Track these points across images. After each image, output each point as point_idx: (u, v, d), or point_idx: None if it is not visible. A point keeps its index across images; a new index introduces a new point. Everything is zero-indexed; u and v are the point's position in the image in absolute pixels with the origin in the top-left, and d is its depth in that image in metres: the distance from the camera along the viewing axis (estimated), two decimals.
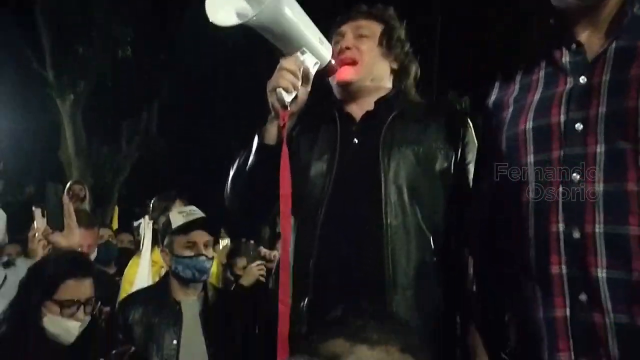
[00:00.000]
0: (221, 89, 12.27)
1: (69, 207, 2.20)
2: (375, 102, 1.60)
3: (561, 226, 1.10)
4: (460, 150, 1.54)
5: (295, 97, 1.45)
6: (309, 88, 1.49)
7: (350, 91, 1.61)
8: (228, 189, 1.66)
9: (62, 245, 2.17)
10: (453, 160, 1.52)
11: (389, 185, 1.47)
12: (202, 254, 2.26)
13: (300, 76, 1.43)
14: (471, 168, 1.53)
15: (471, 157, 1.54)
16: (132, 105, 12.01)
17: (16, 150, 11.51)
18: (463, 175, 1.52)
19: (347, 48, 1.58)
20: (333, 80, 1.63)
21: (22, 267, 2.24)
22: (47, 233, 2.20)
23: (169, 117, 12.28)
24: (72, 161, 10.29)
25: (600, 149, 1.08)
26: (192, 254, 2.26)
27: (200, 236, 2.30)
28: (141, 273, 2.71)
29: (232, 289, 2.95)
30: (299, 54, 1.44)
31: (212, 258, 2.36)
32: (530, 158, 1.17)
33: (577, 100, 1.13)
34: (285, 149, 1.43)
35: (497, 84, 1.36)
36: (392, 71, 1.65)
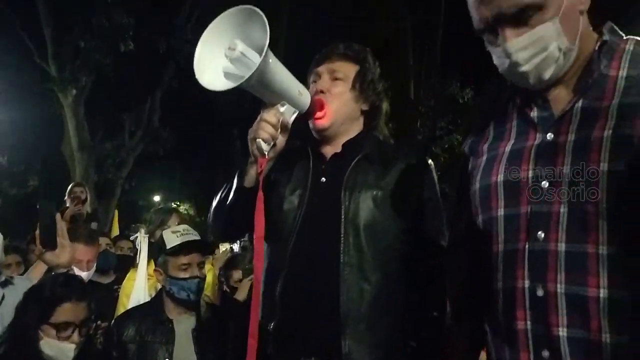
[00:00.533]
0: None
1: (61, 225, 2.21)
2: (343, 144, 1.72)
3: (527, 282, 1.13)
4: (418, 193, 1.67)
5: (274, 145, 1.55)
6: (287, 136, 1.59)
7: (322, 134, 1.72)
8: (210, 219, 1.80)
9: (54, 263, 2.18)
10: (411, 203, 1.65)
11: (348, 226, 1.59)
12: (197, 276, 2.31)
13: (279, 127, 1.53)
14: (430, 210, 1.66)
15: (429, 198, 1.68)
16: (134, 98, 12.06)
17: (19, 144, 11.61)
18: (421, 217, 1.65)
19: (322, 91, 1.69)
20: (310, 122, 1.72)
21: (20, 285, 2.28)
22: (39, 252, 2.23)
23: (171, 108, 12.33)
24: (74, 155, 10.36)
25: (563, 208, 1.09)
26: (187, 275, 2.29)
27: (195, 258, 2.33)
28: (137, 287, 2.76)
29: (227, 303, 3.00)
30: (279, 106, 1.53)
31: (205, 277, 2.40)
32: (501, 211, 1.19)
33: (544, 157, 1.15)
34: (260, 194, 1.51)
35: (472, 130, 1.38)
36: (363, 112, 1.75)
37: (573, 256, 1.08)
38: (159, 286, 2.60)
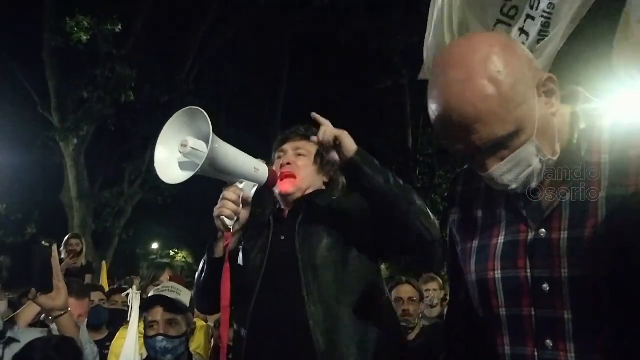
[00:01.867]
0: (223, 131, 12.42)
1: (57, 268, 2.17)
2: (294, 202, 1.86)
3: None
4: (363, 226, 1.75)
5: (238, 219, 1.67)
6: (249, 209, 1.72)
7: (287, 199, 1.88)
8: (194, 293, 1.94)
9: (50, 307, 2.13)
10: (359, 235, 1.75)
11: (306, 267, 1.71)
12: (160, 334, 2.18)
13: (240, 203, 1.66)
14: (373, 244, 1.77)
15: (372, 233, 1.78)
16: (134, 148, 12.17)
17: (19, 192, 11.64)
18: (369, 247, 1.77)
19: (288, 164, 1.88)
20: (276, 190, 1.86)
21: (26, 337, 2.20)
22: (33, 296, 2.18)
23: None
24: (73, 204, 10.38)
25: (567, 315, 1.06)
26: (153, 333, 2.20)
27: (160, 315, 2.21)
28: (127, 346, 2.65)
29: None
30: (237, 183, 1.68)
31: (179, 336, 2.22)
32: (503, 311, 1.15)
33: (540, 256, 1.10)
34: (227, 266, 1.65)
35: (457, 205, 1.33)
36: (324, 183, 1.95)
37: None
38: None
